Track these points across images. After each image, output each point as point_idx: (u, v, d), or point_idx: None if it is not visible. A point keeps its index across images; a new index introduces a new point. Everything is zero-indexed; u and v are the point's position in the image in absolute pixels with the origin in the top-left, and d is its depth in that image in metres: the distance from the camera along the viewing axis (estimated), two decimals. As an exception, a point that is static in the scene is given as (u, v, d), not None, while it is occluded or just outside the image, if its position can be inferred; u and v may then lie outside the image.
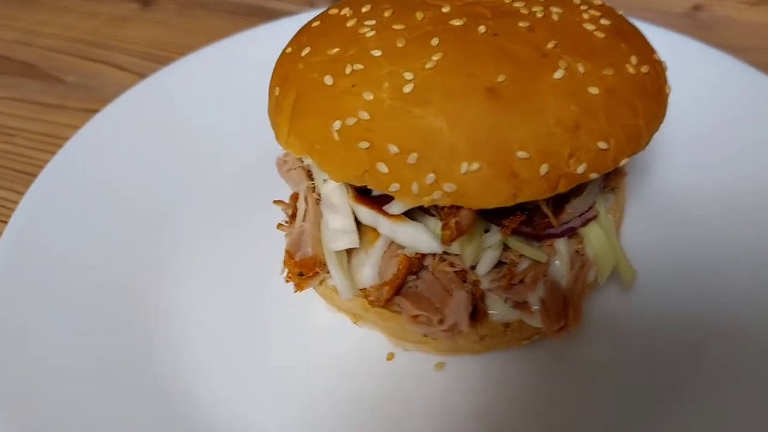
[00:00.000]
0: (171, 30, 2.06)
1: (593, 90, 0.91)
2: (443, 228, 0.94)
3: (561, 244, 1.04)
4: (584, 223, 1.05)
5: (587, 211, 1.06)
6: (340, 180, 0.98)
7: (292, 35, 1.11)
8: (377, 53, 0.95)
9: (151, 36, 2.04)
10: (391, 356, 1.13)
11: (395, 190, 0.92)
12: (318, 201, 1.12)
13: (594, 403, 1.05)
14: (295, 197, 1.14)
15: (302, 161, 1.19)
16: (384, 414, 1.07)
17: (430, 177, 0.89)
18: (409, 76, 0.92)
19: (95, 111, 1.74)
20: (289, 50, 1.06)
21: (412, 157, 0.90)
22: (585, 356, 1.10)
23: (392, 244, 1.06)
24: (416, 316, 1.02)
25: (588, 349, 1.10)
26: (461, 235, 0.93)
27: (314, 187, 1.14)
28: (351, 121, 0.93)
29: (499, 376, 1.10)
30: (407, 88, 0.91)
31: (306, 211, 1.11)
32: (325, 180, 1.08)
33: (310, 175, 1.17)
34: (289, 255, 1.08)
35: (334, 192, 1.07)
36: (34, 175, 1.57)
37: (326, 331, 1.17)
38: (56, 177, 1.37)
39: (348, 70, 0.95)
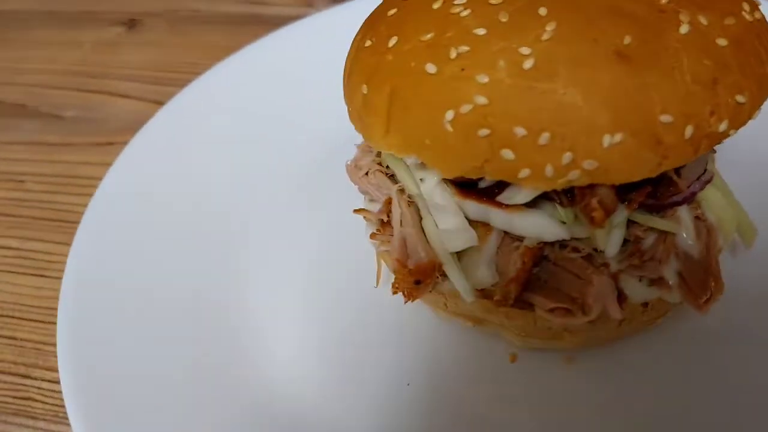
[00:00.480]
0: (167, 49, 1.94)
1: (721, 42, 0.85)
2: (587, 210, 0.87)
3: (684, 212, 0.98)
4: (702, 187, 0.99)
5: (703, 174, 1.00)
6: (454, 174, 0.89)
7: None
8: (481, 32, 0.87)
9: (147, 58, 1.92)
10: (513, 357, 1.06)
11: (525, 176, 0.84)
12: (410, 203, 1.04)
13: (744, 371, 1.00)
14: (387, 202, 1.05)
15: (382, 164, 1.11)
16: (518, 416, 1.00)
17: (567, 156, 0.82)
18: (525, 50, 0.84)
19: (107, 144, 1.63)
20: (368, 43, 0.98)
21: (544, 138, 0.82)
22: (724, 326, 1.04)
23: (505, 238, 0.98)
24: (553, 310, 0.94)
25: (725, 318, 1.04)
26: (610, 214, 0.86)
27: (403, 189, 1.05)
28: (466, 108, 0.85)
29: (633, 364, 1.03)
30: (527, 64, 0.83)
31: (402, 214, 1.02)
32: (422, 179, 1.00)
33: (391, 177, 1.09)
34: (401, 263, 0.99)
35: (435, 190, 0.99)
36: (57, 221, 1.46)
37: (438, 340, 1.09)
38: (106, 208, 1.29)
39: (453, 54, 0.87)
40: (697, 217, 1.00)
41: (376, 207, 1.13)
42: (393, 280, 1.01)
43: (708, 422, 0.97)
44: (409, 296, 1.00)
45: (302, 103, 1.49)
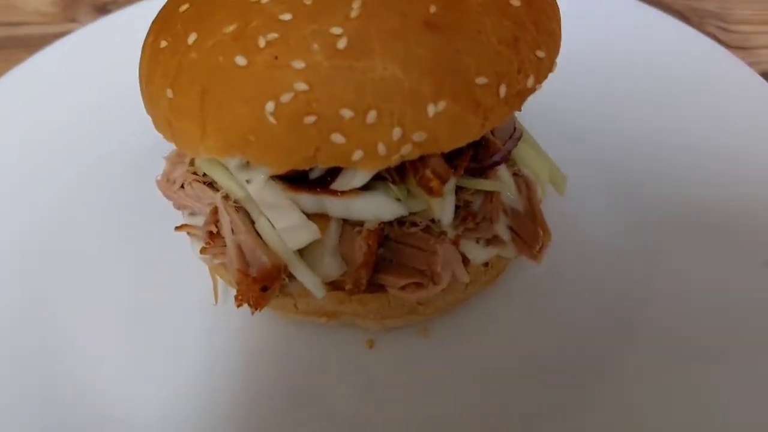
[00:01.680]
0: None
1: (515, 2, 0.90)
2: (423, 182, 0.87)
3: (503, 171, 1.03)
4: (515, 144, 1.05)
5: (514, 132, 1.05)
6: (285, 168, 0.85)
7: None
8: (287, 17, 0.84)
9: None
10: (371, 343, 1.04)
11: (359, 158, 0.83)
12: (238, 209, 0.98)
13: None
14: (213, 212, 0.98)
15: (198, 173, 1.03)
16: (389, 397, 1.00)
17: (397, 131, 0.82)
18: (337, 30, 0.82)
19: None
20: (164, 44, 0.90)
21: (371, 116, 0.81)
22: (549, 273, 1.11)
23: (345, 225, 0.96)
24: (405, 287, 0.94)
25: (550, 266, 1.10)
26: (446, 182, 0.87)
27: (227, 195, 0.99)
28: (287, 97, 0.81)
29: (481, 323, 1.07)
30: (341, 44, 0.81)
31: (231, 222, 0.96)
32: (248, 180, 0.95)
33: (210, 185, 1.02)
34: (243, 272, 0.93)
35: (264, 189, 0.93)
36: None
37: (293, 346, 1.04)
38: None
39: (262, 43, 0.83)
40: (515, 174, 1.05)
41: (198, 220, 1.06)
42: (235, 293, 0.95)
43: (546, 366, 1.03)
44: (257, 305, 0.94)
45: (90, 122, 1.36)
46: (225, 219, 0.96)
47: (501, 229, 0.99)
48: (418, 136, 0.82)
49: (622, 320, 1.05)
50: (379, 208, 0.92)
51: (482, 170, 1.00)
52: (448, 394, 1.00)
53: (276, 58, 0.82)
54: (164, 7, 0.99)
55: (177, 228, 1.05)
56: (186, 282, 1.13)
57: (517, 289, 1.11)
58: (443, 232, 0.96)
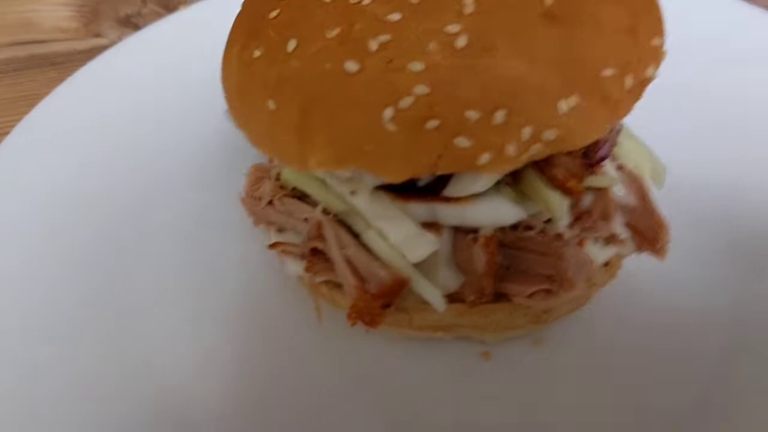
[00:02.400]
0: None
1: (624, -12, 0.84)
2: (558, 182, 0.82)
3: (608, 166, 0.98)
4: (617, 137, 0.99)
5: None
6: (405, 177, 0.80)
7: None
8: (395, 17, 0.79)
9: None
10: (487, 355, 0.99)
11: (486, 162, 0.77)
12: (338, 223, 0.92)
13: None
14: (317, 227, 0.92)
15: (285, 187, 0.98)
16: (507, 409, 0.95)
17: (527, 131, 0.76)
18: (453, 28, 0.77)
19: None
20: (256, 53, 0.84)
21: (499, 116, 0.76)
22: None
23: (457, 234, 0.91)
24: (532, 295, 0.89)
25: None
26: (582, 180, 0.82)
27: (325, 210, 0.93)
28: (406, 102, 0.76)
29: (598, 325, 1.02)
30: (460, 42, 0.76)
31: (338, 236, 0.91)
32: (352, 192, 0.89)
33: (300, 199, 0.97)
34: (361, 290, 0.87)
35: (373, 201, 0.88)
36: None
37: (404, 361, 0.99)
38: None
39: (372, 46, 0.78)
40: (618, 168, 1.00)
41: (289, 237, 1.00)
42: (349, 310, 0.89)
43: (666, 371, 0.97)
44: (373, 323, 0.88)
45: (153, 134, 1.31)
46: (330, 234, 0.91)
47: (618, 226, 0.94)
48: (548, 134, 0.77)
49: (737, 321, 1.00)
50: (497, 212, 0.87)
51: (590, 166, 0.95)
52: (567, 404, 0.94)
53: (390, 61, 0.77)
54: (243, 14, 0.93)
55: (271, 246, 0.99)
56: (272, 301, 1.07)
57: (631, 290, 1.05)
58: (559, 235, 0.90)
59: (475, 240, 0.89)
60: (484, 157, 0.77)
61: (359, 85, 0.77)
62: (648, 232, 0.94)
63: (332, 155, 0.80)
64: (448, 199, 0.87)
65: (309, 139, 0.80)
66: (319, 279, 0.96)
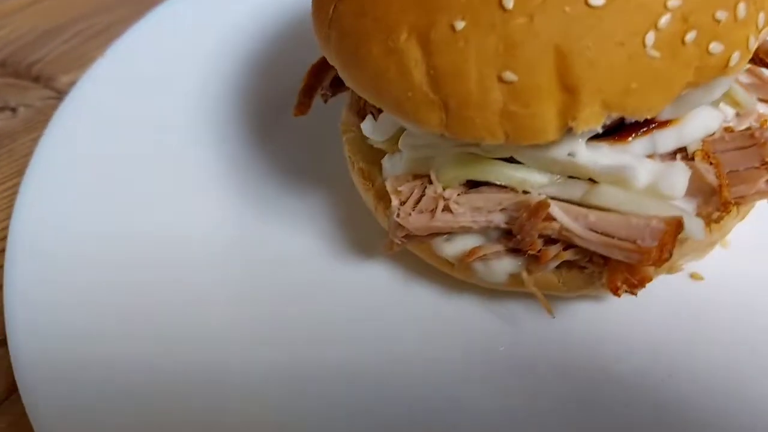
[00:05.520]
0: None
1: None
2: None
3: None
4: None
5: None
6: (663, 107, 0.72)
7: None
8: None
9: None
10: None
11: (736, 62, 0.73)
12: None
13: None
14: (537, 208, 0.79)
15: (443, 186, 0.84)
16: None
17: (762, 17, 0.74)
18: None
19: None
20: (459, 25, 0.70)
21: (742, 9, 0.72)
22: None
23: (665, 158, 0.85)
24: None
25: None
26: None
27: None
28: (665, 20, 0.69)
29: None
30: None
31: (566, 210, 0.80)
32: (570, 154, 0.79)
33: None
34: (640, 250, 0.77)
35: (596, 154, 0.79)
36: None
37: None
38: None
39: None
40: None
41: (473, 240, 0.87)
42: (609, 281, 0.80)
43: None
44: (643, 282, 0.80)
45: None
46: (557, 211, 0.80)
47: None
48: (773, 16, 0.75)
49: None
50: (706, 122, 0.84)
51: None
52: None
53: (627, -22, 0.68)
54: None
55: (470, 258, 0.84)
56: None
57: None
58: (748, 128, 0.89)
59: (692, 158, 0.84)
60: (735, 57, 0.73)
61: (613, 18, 0.68)
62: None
63: (599, 107, 0.70)
64: (666, 123, 0.81)
65: (573, 98, 0.69)
66: (554, 264, 0.84)
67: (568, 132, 0.72)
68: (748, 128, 0.89)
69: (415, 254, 0.98)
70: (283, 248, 1.05)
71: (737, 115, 0.91)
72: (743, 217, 0.93)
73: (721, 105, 0.87)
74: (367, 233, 1.04)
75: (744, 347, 0.90)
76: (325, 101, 1.08)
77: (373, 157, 0.99)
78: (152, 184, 1.11)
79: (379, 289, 1.00)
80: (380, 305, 0.99)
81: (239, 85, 1.22)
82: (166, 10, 1.35)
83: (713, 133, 0.86)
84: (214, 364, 0.93)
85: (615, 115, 0.71)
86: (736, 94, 0.86)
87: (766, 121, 0.90)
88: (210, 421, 0.87)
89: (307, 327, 0.97)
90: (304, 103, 1.05)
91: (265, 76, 1.24)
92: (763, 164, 0.87)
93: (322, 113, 1.08)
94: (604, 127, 0.75)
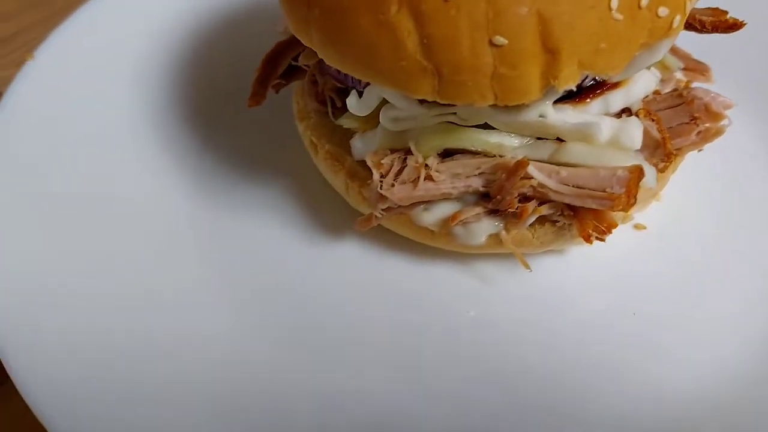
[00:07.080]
0: None
1: None
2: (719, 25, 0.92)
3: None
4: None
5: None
6: (623, 67, 0.81)
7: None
8: None
9: None
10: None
11: (677, 25, 0.84)
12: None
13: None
14: (515, 168, 0.86)
15: (421, 156, 0.89)
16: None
17: (693, -16, 0.85)
18: None
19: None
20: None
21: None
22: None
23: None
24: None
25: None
26: None
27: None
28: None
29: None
30: None
31: (540, 168, 0.87)
32: (542, 115, 0.86)
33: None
34: (611, 197, 0.85)
35: (561, 116, 0.87)
36: None
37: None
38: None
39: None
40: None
41: (453, 205, 0.92)
42: (580, 229, 0.88)
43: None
44: (610, 228, 0.88)
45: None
46: (533, 170, 0.86)
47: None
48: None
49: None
50: (646, 83, 0.94)
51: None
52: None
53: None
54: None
55: (453, 222, 0.89)
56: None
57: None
58: (675, 89, 1.01)
59: (637, 116, 0.94)
60: (677, 20, 0.83)
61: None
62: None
63: (575, 67, 0.78)
64: (616, 85, 0.90)
65: (554, 59, 0.76)
66: (531, 220, 0.90)
67: (549, 91, 0.79)
68: (675, 89, 1.01)
69: (386, 230, 1.02)
70: (251, 240, 1.05)
71: (661, 80, 1.03)
72: (674, 170, 1.05)
73: (652, 69, 0.98)
74: (334, 217, 1.07)
75: (685, 279, 1.03)
76: (277, 91, 1.09)
77: (338, 139, 1.02)
78: (105, 189, 1.07)
79: (352, 267, 1.03)
80: (355, 283, 1.01)
81: (181, 81, 1.20)
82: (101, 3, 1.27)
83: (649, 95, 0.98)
84: (189, 356, 0.92)
85: (588, 74, 0.80)
86: (666, 59, 0.97)
87: (687, 83, 1.03)
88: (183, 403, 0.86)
89: (289, 316, 0.98)
90: (259, 93, 1.06)
91: (211, 69, 1.22)
92: (692, 119, 0.98)
93: (273, 103, 1.09)
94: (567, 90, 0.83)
